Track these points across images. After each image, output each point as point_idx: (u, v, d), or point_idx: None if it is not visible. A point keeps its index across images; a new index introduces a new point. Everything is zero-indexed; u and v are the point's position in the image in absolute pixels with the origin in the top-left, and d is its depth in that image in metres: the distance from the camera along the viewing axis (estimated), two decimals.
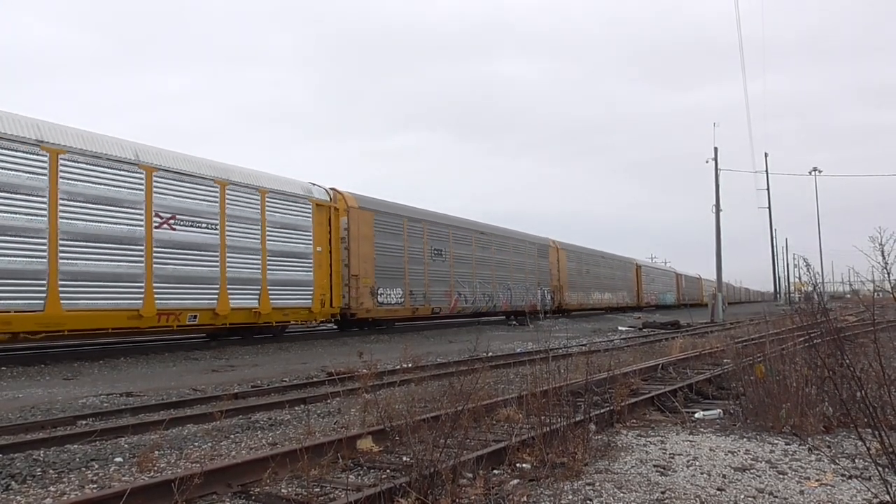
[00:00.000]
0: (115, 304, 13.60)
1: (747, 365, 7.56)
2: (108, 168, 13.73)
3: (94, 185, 13.43)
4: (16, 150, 12.18)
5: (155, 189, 14.53)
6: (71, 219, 12.97)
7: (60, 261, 12.70)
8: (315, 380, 10.51)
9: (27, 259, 12.23)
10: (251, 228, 16.93)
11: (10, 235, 12.01)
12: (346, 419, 7.06)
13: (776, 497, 4.31)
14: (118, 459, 5.55)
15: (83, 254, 13.13)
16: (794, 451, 5.52)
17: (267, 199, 17.47)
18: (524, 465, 4.94)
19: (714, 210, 39.47)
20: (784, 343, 8.29)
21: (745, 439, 6.01)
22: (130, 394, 9.39)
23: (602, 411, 6.60)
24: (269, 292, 17.22)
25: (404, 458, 5.12)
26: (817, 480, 4.67)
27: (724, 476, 4.81)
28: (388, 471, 4.95)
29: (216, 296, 15.71)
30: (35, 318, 12.25)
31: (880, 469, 4.04)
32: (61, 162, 12.87)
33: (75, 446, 5.99)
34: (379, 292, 21.32)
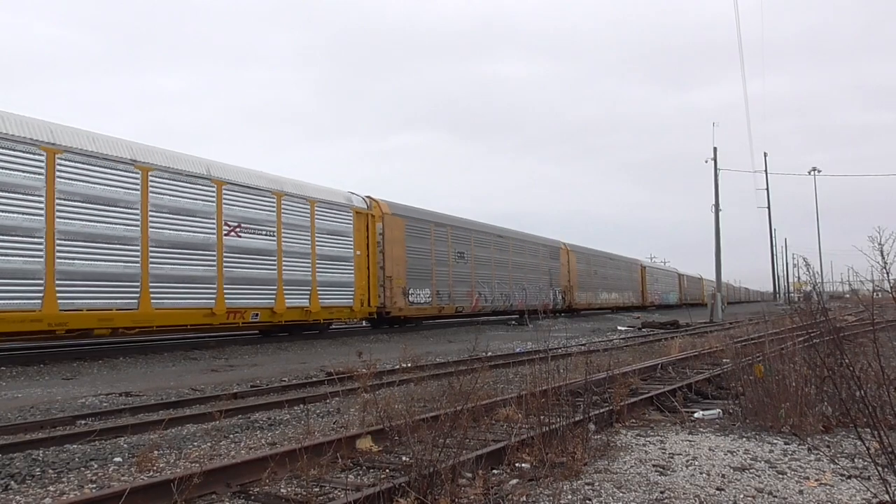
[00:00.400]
0: (194, 303, 15.38)
1: (746, 365, 7.56)
2: (187, 183, 15.46)
3: (176, 199, 15.17)
4: (114, 169, 13.97)
5: (224, 201, 16.32)
6: (158, 228, 14.64)
7: (151, 265, 14.46)
8: (314, 379, 10.51)
9: (125, 264, 13.98)
10: (302, 235, 18.84)
11: (111, 244, 13.77)
12: (346, 419, 7.06)
13: (775, 497, 4.31)
14: (117, 459, 5.55)
15: (169, 259, 14.83)
16: (794, 451, 5.52)
17: (316, 208, 19.52)
18: (523, 465, 4.94)
19: (713, 210, 39.51)
20: (783, 343, 8.28)
21: (744, 439, 6.01)
22: (129, 393, 9.39)
23: (601, 411, 6.60)
24: (318, 293, 19.18)
25: (404, 458, 5.12)
26: (816, 480, 4.67)
27: (723, 476, 4.81)
28: (387, 470, 4.95)
29: (274, 296, 17.55)
30: (131, 316, 14.04)
31: (879, 469, 4.04)
32: (151, 179, 14.64)
33: (74, 446, 5.99)
34: (410, 292, 23.00)
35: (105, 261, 13.52)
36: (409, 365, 10.87)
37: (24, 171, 12.36)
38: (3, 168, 12.06)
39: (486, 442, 5.49)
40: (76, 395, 9.17)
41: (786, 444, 5.79)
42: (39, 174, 12.61)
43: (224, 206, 16.22)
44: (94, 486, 4.79)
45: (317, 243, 19.17)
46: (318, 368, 12.00)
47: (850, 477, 4.71)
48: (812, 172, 58.43)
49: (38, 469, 5.20)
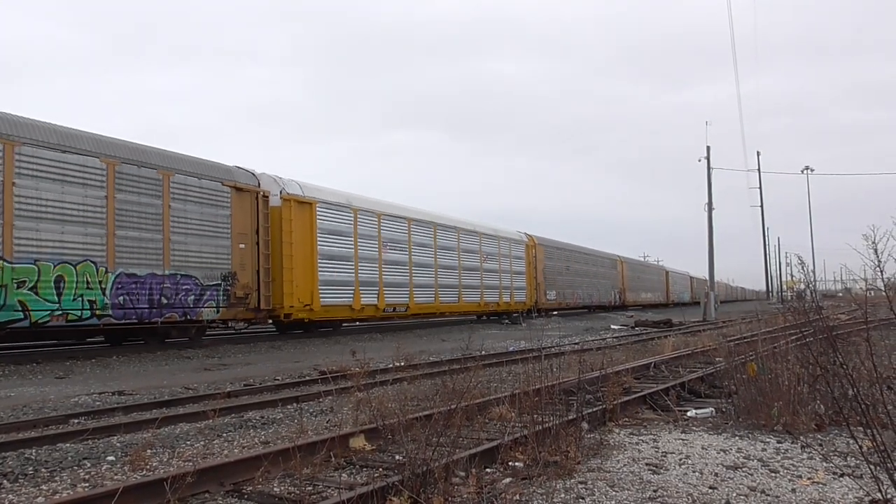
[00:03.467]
0: (369, 302, 21.37)
1: (739, 363, 7.57)
2: (364, 216, 21.60)
3: (371, 228, 21.85)
4: (340, 212, 20.50)
5: (383, 228, 22.41)
6: (362, 249, 21.18)
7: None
8: (308, 378, 10.50)
9: (350, 274, 20.61)
10: (451, 254, 26.59)
11: (338, 260, 20.12)
12: (339, 418, 7.05)
13: (768, 495, 4.33)
14: (110, 458, 5.53)
15: (369, 269, 21.48)
16: (787, 450, 5.54)
17: (483, 239, 29.25)
18: (517, 464, 4.94)
19: (707, 208, 39.57)
20: (776, 341, 8.30)
21: (737, 437, 6.03)
22: (123, 392, 9.36)
23: (594, 410, 6.61)
24: (503, 294, 30.50)
25: (397, 457, 5.11)
26: (809, 478, 4.68)
27: (716, 474, 4.82)
28: (380, 469, 4.95)
29: (407, 295, 23.46)
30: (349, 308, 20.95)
31: (872, 467, 4.05)
32: (359, 217, 21.21)
33: (67, 445, 5.97)
34: (546, 293, 35.47)
35: (338, 272, 20.03)
36: (403, 364, 10.87)
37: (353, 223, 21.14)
38: (335, 220, 20.29)
39: (480, 441, 5.48)
40: (69, 393, 9.13)
41: (779, 442, 5.81)
42: (349, 221, 20.83)
43: (382, 231, 22.46)
44: (87, 484, 4.78)
45: (486, 261, 29.05)
46: (312, 367, 11.98)
47: (842, 475, 4.72)
48: (805, 171, 58.58)
49: (30, 468, 5.18)
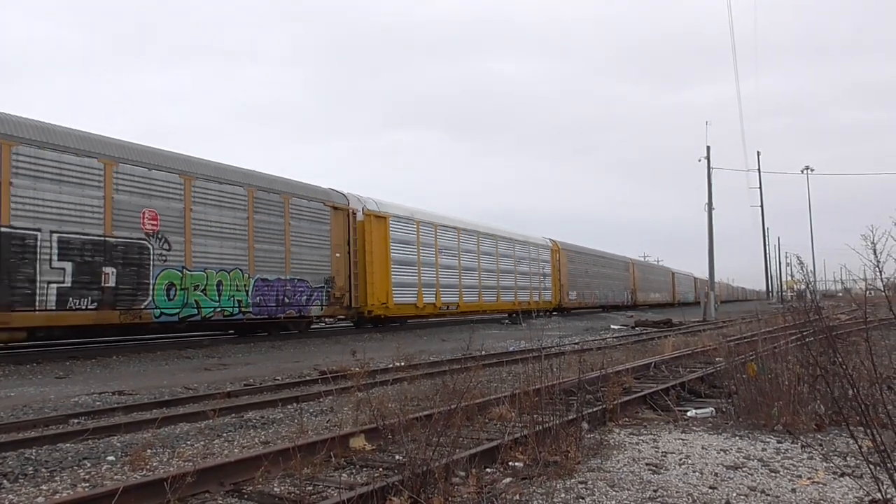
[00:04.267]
0: (428, 301, 24.88)
1: (739, 363, 7.57)
2: (424, 227, 25.24)
3: (430, 237, 25.45)
4: (407, 224, 24.05)
5: (439, 237, 25.90)
6: (422, 255, 24.74)
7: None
8: (308, 378, 10.49)
9: (414, 277, 24.15)
10: (491, 258, 30.26)
11: (406, 265, 23.69)
12: (339, 418, 7.04)
13: (768, 495, 4.33)
14: (110, 458, 5.53)
15: (428, 273, 25.01)
16: (787, 450, 5.54)
17: (516, 245, 33.03)
18: (517, 464, 4.94)
19: (707, 208, 39.55)
20: (776, 341, 8.30)
21: (737, 437, 6.03)
22: (123, 392, 9.36)
23: (595, 410, 6.61)
24: (523, 294, 33.00)
25: (397, 457, 5.12)
26: (809, 478, 4.68)
27: (716, 474, 4.82)
28: (380, 469, 4.95)
29: (457, 295, 27.12)
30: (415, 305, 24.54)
31: (872, 467, 4.06)
32: (422, 228, 24.96)
33: (67, 445, 5.97)
34: (569, 293, 39.16)
35: (406, 275, 23.44)
36: (403, 364, 10.87)
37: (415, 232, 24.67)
38: (402, 232, 23.64)
39: (480, 441, 5.48)
40: (69, 393, 9.13)
41: (779, 442, 5.81)
42: (413, 232, 24.33)
43: (438, 240, 26.03)
44: (87, 484, 4.78)
45: (519, 265, 32.96)
46: (312, 367, 11.98)
47: (842, 475, 4.72)
48: (805, 171, 58.60)
49: (30, 468, 5.18)
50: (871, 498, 4.10)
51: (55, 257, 12.96)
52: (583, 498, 4.25)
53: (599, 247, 49.57)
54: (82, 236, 13.43)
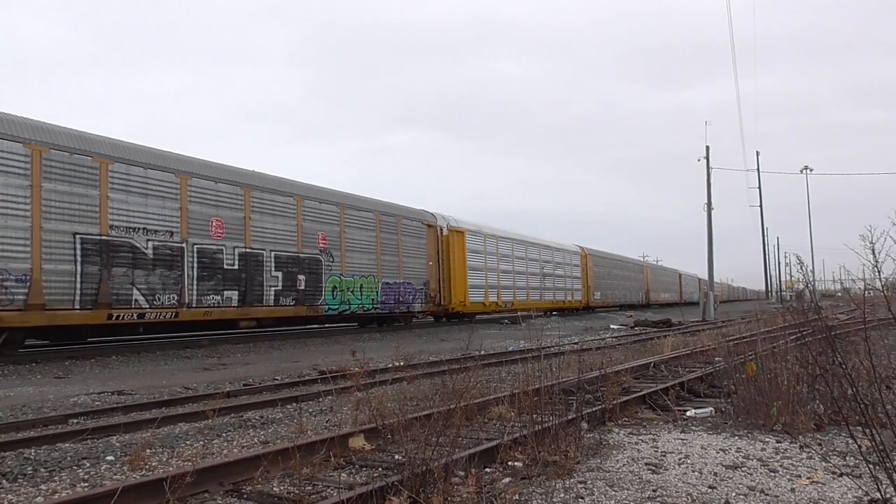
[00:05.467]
0: (492, 300, 30.28)
1: (738, 363, 7.57)
2: (489, 239, 30.72)
3: (493, 247, 30.40)
4: (477, 237, 29.36)
5: (499, 247, 31.14)
6: (488, 262, 29.95)
7: (495, 280, 30.74)
8: (307, 378, 10.49)
9: (488, 282, 29.79)
10: (536, 264, 35.37)
11: (480, 271, 29.02)
12: (339, 417, 7.04)
13: (767, 495, 4.33)
14: (109, 458, 5.53)
15: (492, 277, 30.06)
16: (786, 449, 5.54)
17: (554, 253, 37.79)
18: (516, 464, 4.94)
19: (706, 208, 39.54)
20: (775, 341, 8.30)
21: (736, 437, 6.03)
22: (122, 392, 9.36)
23: (594, 409, 6.61)
24: (559, 294, 38.14)
25: (396, 457, 5.11)
26: (808, 478, 4.69)
27: (715, 474, 4.82)
28: (380, 469, 4.95)
29: (512, 295, 32.04)
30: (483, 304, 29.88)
31: (871, 466, 4.06)
32: (499, 243, 31.47)
33: (66, 445, 5.97)
34: (594, 293, 43.93)
35: (477, 279, 28.94)
36: (402, 364, 10.87)
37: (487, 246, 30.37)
38: (474, 243, 29.12)
39: (479, 440, 5.49)
40: (68, 393, 9.13)
41: (778, 442, 5.82)
42: (481, 243, 29.76)
43: (500, 249, 31.43)
44: (87, 484, 4.77)
45: (557, 269, 37.95)
46: (311, 367, 11.98)
47: (841, 475, 4.73)
48: (804, 171, 58.67)
49: (29, 468, 5.18)
50: (870, 497, 4.10)
51: (273, 269, 18.05)
52: (582, 498, 4.26)
53: (599, 247, 50.60)
54: (286, 253, 18.61)
